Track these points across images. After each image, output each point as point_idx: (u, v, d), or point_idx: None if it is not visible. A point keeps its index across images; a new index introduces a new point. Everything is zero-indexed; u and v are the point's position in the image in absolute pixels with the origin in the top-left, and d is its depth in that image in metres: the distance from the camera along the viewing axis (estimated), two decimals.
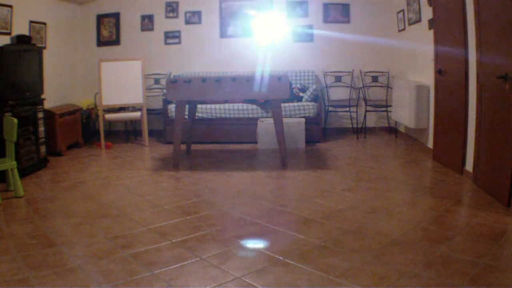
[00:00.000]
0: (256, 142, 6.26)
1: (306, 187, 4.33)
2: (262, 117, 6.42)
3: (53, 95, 6.29)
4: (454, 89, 4.57)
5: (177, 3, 7.29)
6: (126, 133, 7.43)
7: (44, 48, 6.16)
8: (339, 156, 5.57)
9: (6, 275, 2.53)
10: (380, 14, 7.02)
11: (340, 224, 3.25)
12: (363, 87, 7.05)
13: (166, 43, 7.37)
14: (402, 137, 6.69)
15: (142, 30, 7.39)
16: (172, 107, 6.52)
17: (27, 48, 5.09)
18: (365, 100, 7.01)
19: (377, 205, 3.67)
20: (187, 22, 7.32)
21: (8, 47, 4.79)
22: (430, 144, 5.41)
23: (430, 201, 3.75)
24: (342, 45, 7.10)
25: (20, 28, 5.60)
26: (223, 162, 5.40)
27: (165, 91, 6.76)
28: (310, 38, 7.17)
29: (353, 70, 7.09)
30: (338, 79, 7.18)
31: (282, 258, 2.70)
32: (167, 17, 7.33)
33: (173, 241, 3.01)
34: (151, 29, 7.37)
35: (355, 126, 7.17)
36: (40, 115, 5.28)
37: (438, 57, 5.00)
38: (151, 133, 7.09)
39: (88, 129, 6.99)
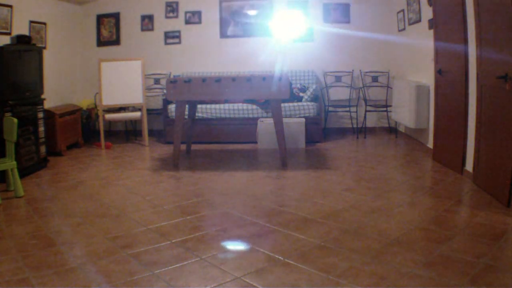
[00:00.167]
0: (256, 142, 6.26)
1: (306, 187, 4.33)
2: (262, 117, 6.42)
3: (53, 95, 6.30)
4: (454, 89, 4.57)
5: (177, 3, 7.29)
6: (126, 133, 7.43)
7: (44, 48, 6.16)
8: (339, 156, 5.57)
9: (6, 275, 2.53)
10: (380, 14, 7.03)
11: (340, 224, 3.25)
12: (363, 87, 7.05)
13: (166, 43, 7.38)
14: (402, 137, 6.69)
15: (142, 30, 7.39)
16: (172, 107, 6.52)
17: (27, 48, 5.09)
18: (365, 100, 7.01)
19: (377, 205, 3.67)
20: (187, 22, 7.32)
21: (8, 47, 4.79)
22: (430, 144, 5.41)
23: (430, 201, 3.75)
24: (342, 45, 7.10)
25: (20, 28, 5.60)
26: (223, 162, 5.40)
27: (165, 91, 6.76)
28: (310, 38, 7.18)
29: (353, 70, 7.09)
30: (338, 79, 7.18)
31: (282, 258, 2.70)
32: (167, 17, 7.33)
33: (173, 241, 3.01)
34: (151, 29, 7.37)
35: (355, 126, 7.17)
36: (40, 115, 5.28)
37: (438, 57, 5.00)
38: (151, 133, 7.09)
39: (88, 129, 6.99)
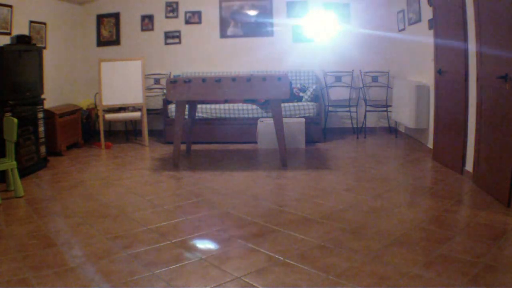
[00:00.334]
0: (256, 142, 6.26)
1: (306, 187, 4.33)
2: (262, 117, 6.41)
3: (53, 95, 6.29)
4: (454, 89, 4.56)
5: (177, 3, 7.28)
6: (126, 133, 7.43)
7: (44, 48, 6.16)
8: (339, 156, 5.57)
9: (6, 275, 2.53)
10: (380, 14, 7.02)
11: (340, 224, 3.25)
12: (363, 87, 7.05)
13: (166, 43, 7.37)
14: (402, 137, 6.69)
15: (142, 30, 7.39)
16: (172, 107, 6.52)
17: (27, 48, 5.09)
18: (365, 100, 7.01)
19: (377, 205, 3.67)
20: (187, 22, 7.32)
21: (8, 47, 4.79)
22: (430, 144, 5.41)
23: (430, 201, 3.75)
24: (342, 45, 7.09)
25: (20, 28, 5.60)
26: (223, 162, 5.40)
27: (165, 91, 6.76)
28: (310, 38, 7.17)
29: (353, 70, 7.09)
30: (338, 79, 7.18)
31: (282, 258, 2.70)
32: (167, 17, 7.33)
33: (173, 241, 3.01)
34: (151, 29, 7.37)
35: (355, 126, 7.17)
36: (40, 115, 5.28)
37: (438, 57, 5.00)
38: (151, 133, 7.09)
39: (88, 129, 6.99)
